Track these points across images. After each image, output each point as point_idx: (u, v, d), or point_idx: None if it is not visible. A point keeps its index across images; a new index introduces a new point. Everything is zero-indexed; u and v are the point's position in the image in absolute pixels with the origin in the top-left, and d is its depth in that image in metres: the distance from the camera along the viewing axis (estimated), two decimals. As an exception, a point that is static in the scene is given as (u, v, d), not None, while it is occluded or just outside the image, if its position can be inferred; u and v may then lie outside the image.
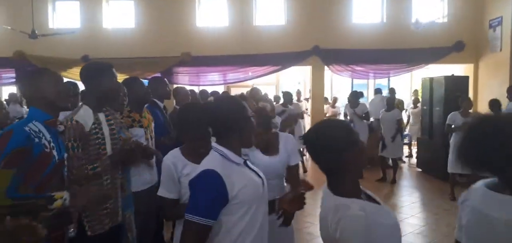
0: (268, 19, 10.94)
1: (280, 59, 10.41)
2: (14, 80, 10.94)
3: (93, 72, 2.55)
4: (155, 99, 4.02)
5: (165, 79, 4.74)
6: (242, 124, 1.82)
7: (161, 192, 2.19)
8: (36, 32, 8.95)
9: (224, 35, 10.52)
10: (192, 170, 2.10)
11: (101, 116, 2.57)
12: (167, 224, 4.44)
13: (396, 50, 10.08)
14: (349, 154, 1.51)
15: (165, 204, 2.19)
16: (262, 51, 10.27)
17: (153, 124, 3.61)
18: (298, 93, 11.02)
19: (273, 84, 12.73)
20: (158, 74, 9.79)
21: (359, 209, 1.42)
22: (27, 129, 2.02)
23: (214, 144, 1.84)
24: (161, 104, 4.18)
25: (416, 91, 10.78)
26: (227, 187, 1.68)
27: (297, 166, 2.87)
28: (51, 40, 9.73)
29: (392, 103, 8.17)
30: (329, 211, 1.49)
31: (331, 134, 1.54)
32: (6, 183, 1.85)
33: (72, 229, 2.30)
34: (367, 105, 9.14)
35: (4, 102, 6.03)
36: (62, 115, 2.37)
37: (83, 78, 2.57)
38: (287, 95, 8.25)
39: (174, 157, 2.22)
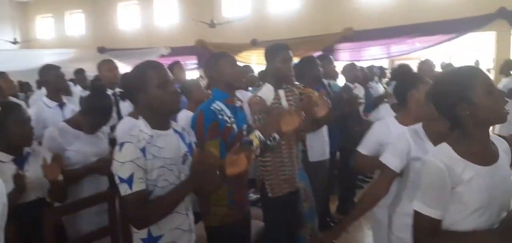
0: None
1: (454, 26, 9.26)
2: (196, 66, 12.56)
3: (268, 54, 2.75)
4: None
5: (331, 57, 4.76)
6: None
7: (418, 207, 1.49)
8: (214, 21, 10.16)
9: (388, 6, 9.97)
10: (475, 174, 1.44)
11: (281, 92, 2.73)
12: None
13: None
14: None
15: (424, 223, 1.48)
16: (432, 19, 9.31)
17: None
18: (476, 65, 9.64)
19: (444, 55, 11.38)
20: (320, 53, 9.88)
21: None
22: (212, 108, 2.26)
23: None
24: (326, 82, 4.27)
25: None
26: None
27: None
28: (225, 28, 10.86)
29: None
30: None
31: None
32: (219, 149, 2.16)
33: (252, 193, 2.56)
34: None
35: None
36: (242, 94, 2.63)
37: (265, 59, 2.78)
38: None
39: (448, 157, 1.45)
